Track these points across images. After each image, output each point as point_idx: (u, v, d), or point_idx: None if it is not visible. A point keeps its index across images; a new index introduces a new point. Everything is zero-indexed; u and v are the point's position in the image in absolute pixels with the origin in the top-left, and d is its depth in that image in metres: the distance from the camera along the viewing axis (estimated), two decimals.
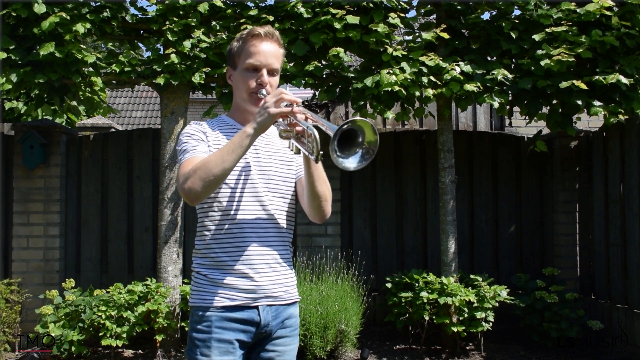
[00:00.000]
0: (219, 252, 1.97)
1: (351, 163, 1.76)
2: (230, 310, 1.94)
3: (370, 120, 1.75)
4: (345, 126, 1.70)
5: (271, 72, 2.02)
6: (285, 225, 2.06)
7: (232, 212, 1.97)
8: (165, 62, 5.00)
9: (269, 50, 2.01)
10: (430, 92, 4.95)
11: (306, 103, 8.62)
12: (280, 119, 1.89)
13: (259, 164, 2.02)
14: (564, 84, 4.78)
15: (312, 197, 2.00)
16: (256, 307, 1.97)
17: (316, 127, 1.84)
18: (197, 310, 1.97)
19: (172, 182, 5.17)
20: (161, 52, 5.27)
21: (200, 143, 1.99)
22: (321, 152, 1.78)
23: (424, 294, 4.99)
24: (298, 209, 2.17)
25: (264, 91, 1.99)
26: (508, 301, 5.21)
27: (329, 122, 1.82)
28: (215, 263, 1.97)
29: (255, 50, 2.00)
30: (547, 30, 4.94)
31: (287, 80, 5.19)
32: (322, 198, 2.01)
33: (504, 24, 5.05)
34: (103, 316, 4.75)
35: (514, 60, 5.23)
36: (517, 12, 5.21)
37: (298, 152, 1.94)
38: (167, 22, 5.06)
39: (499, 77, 4.92)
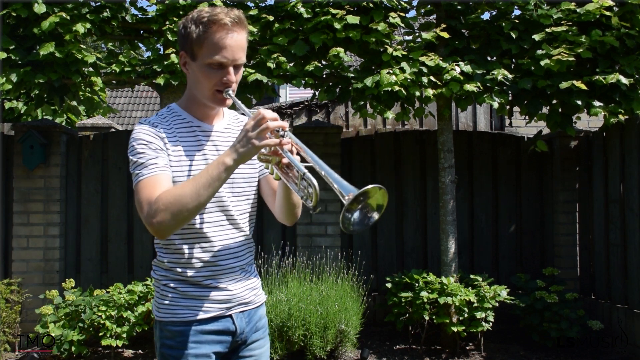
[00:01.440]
0: (186, 268, 1.85)
1: (355, 219, 1.63)
2: (204, 323, 1.85)
3: (384, 194, 1.61)
4: (356, 194, 1.55)
5: (237, 67, 1.84)
6: (249, 228, 1.98)
7: (198, 226, 1.84)
8: (165, 62, 5.00)
9: (237, 43, 1.80)
10: (430, 92, 4.94)
11: (306, 103, 8.63)
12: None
13: None
14: (564, 84, 4.78)
15: (287, 206, 1.92)
16: (230, 316, 1.90)
17: (310, 168, 1.68)
18: (168, 325, 1.84)
19: None
20: (161, 52, 5.28)
21: (159, 154, 1.78)
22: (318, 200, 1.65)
23: (424, 294, 4.99)
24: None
25: (230, 91, 1.83)
26: (508, 301, 5.21)
27: (316, 156, 1.67)
28: (183, 278, 1.86)
29: (222, 44, 1.77)
30: (547, 30, 4.94)
31: (287, 80, 5.19)
32: (297, 205, 1.93)
33: (504, 24, 5.04)
34: (103, 316, 4.75)
35: (514, 60, 5.23)
36: (517, 12, 5.21)
37: (279, 178, 1.80)
38: (167, 22, 5.06)
39: (499, 77, 4.92)
